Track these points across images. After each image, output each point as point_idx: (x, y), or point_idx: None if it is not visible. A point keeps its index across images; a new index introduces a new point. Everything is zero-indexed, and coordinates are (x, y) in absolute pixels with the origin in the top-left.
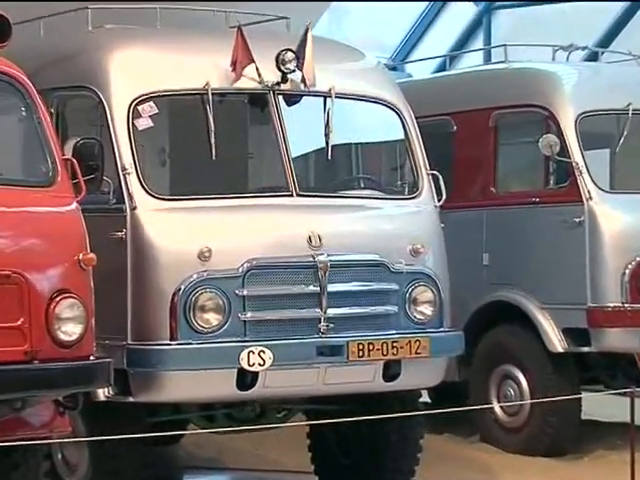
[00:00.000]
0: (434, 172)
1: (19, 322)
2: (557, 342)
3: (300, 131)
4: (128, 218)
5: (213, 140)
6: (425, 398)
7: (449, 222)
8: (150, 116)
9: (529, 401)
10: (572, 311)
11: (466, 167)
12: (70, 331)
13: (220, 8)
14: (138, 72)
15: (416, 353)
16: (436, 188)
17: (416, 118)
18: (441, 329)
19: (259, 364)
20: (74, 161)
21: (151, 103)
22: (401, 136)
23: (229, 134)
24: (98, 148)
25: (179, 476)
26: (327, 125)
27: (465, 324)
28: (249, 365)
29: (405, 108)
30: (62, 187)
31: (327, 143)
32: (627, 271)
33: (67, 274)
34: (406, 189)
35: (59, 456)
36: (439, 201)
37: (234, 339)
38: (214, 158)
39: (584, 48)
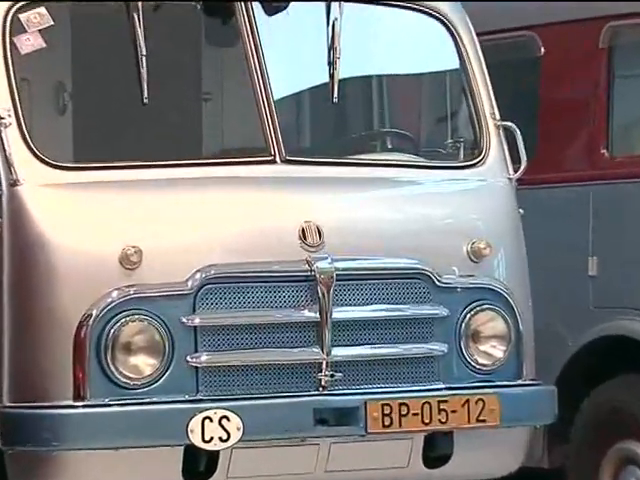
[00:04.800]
0: (508, 124)
1: None
2: None
3: (288, 57)
4: (5, 199)
5: (144, 72)
6: None
7: (532, 205)
8: (40, 31)
9: None
10: None
11: (560, 115)
12: None
13: None
14: None
15: (478, 421)
16: (510, 150)
17: (479, 35)
18: (519, 382)
19: (220, 439)
20: None
21: (41, 10)
22: (454, 64)
23: (171, 62)
24: None
25: None
26: (332, 48)
27: (559, 374)
28: (204, 441)
29: (460, 20)
30: None
31: (332, 77)
32: None
33: None
34: (461, 152)
35: None
36: (516, 172)
37: (180, 398)
38: (146, 101)
39: None
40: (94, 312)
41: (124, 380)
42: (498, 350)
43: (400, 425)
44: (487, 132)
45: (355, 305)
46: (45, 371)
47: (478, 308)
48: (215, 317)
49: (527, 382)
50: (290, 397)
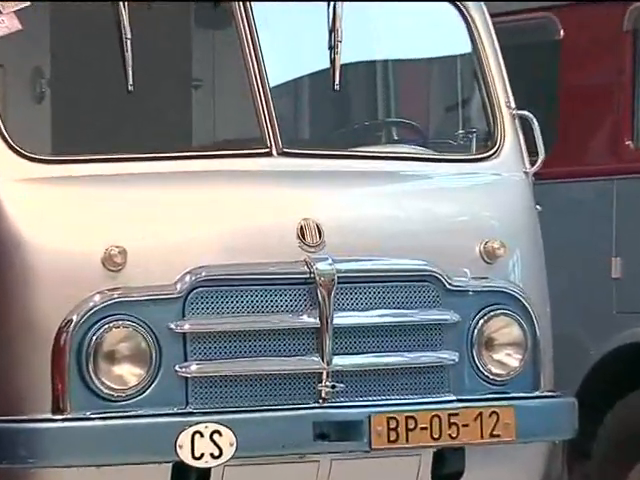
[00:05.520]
0: (524, 113)
1: None
2: None
3: (285, 40)
4: None
5: (129, 57)
6: None
7: (551, 202)
8: (16, 12)
9: None
10: None
11: (581, 104)
12: None
13: None
14: None
15: (492, 436)
16: (527, 141)
17: (493, 17)
18: (536, 393)
19: (212, 456)
20: None
21: None
22: (466, 49)
23: (158, 46)
24: None
25: None
26: (333, 30)
27: (580, 385)
28: (194, 457)
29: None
30: None
31: (333, 62)
32: None
33: None
34: (473, 144)
35: None
36: (533, 165)
37: (168, 411)
38: (131, 89)
39: None
40: (75, 317)
41: (107, 391)
42: (513, 359)
43: (407, 440)
44: (501, 122)
45: (358, 310)
46: (21, 382)
47: (492, 313)
48: (206, 323)
49: (545, 394)
50: (288, 410)
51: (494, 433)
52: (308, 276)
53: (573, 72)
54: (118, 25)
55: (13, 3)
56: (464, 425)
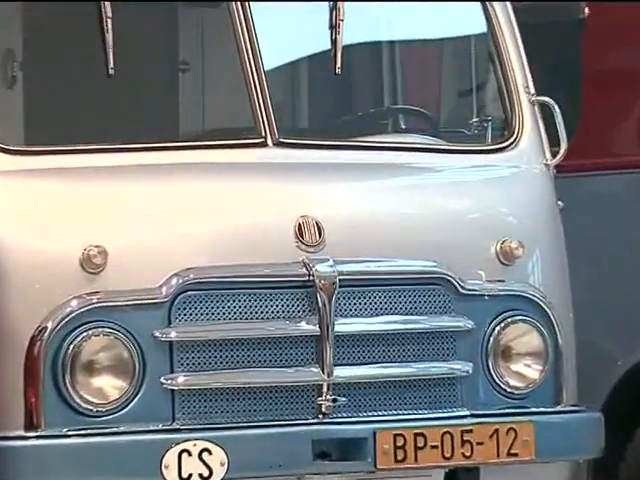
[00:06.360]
0: (544, 99)
1: None
2: None
3: (282, 20)
4: None
5: (110, 38)
6: None
7: (574, 197)
8: None
9: None
10: None
11: (607, 89)
12: None
13: None
14: None
15: (509, 454)
16: (548, 131)
17: None
18: (558, 408)
19: (201, 476)
20: None
21: None
22: (481, 29)
23: (141, 26)
24: None
25: None
26: (334, 8)
27: (606, 399)
28: (181, 478)
29: None
30: None
31: (334, 43)
32: None
33: None
34: (489, 133)
35: None
36: (554, 156)
37: (152, 427)
38: (112, 73)
39: None
40: (50, 324)
41: (86, 406)
42: (533, 370)
43: (416, 460)
44: (520, 109)
45: (361, 316)
46: None
47: (509, 320)
48: (194, 331)
49: (568, 408)
50: (284, 426)
51: (512, 452)
52: (307, 279)
53: (598, 54)
54: (98, 2)
55: None
56: (479, 443)
